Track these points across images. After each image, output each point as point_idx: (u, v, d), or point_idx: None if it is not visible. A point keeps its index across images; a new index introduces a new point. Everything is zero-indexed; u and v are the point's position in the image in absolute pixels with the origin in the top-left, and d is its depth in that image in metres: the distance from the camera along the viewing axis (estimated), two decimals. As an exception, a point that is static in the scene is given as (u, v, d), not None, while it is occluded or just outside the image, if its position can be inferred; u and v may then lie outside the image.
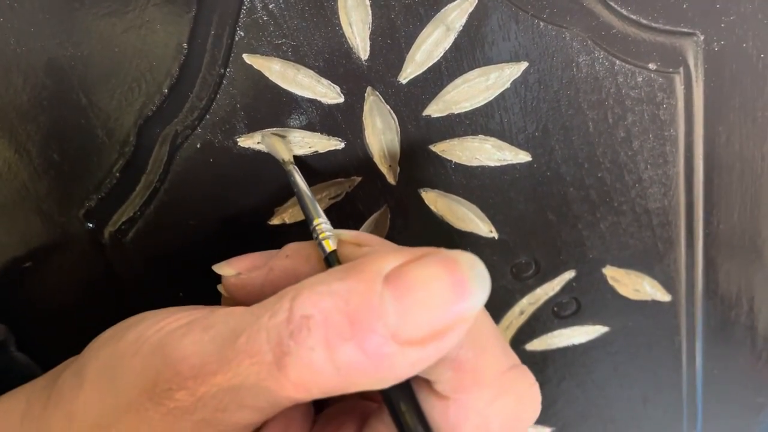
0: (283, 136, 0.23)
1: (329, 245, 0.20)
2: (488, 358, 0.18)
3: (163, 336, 0.18)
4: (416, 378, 0.18)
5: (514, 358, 0.19)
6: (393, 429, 0.18)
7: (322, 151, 0.24)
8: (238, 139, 0.23)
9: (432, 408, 0.18)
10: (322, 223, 0.21)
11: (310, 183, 0.24)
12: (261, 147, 0.23)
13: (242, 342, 0.16)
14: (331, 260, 0.20)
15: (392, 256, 0.17)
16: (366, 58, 0.22)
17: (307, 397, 0.16)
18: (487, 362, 0.18)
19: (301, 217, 0.25)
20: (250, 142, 0.23)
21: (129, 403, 0.17)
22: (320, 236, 0.20)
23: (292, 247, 0.21)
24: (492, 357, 0.18)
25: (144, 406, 0.17)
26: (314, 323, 0.16)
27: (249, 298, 0.21)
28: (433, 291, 0.16)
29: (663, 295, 0.30)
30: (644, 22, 0.23)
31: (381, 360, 0.16)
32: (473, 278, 0.16)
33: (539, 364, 0.32)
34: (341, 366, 0.16)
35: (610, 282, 0.29)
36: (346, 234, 0.20)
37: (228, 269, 0.22)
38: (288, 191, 0.24)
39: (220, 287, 0.22)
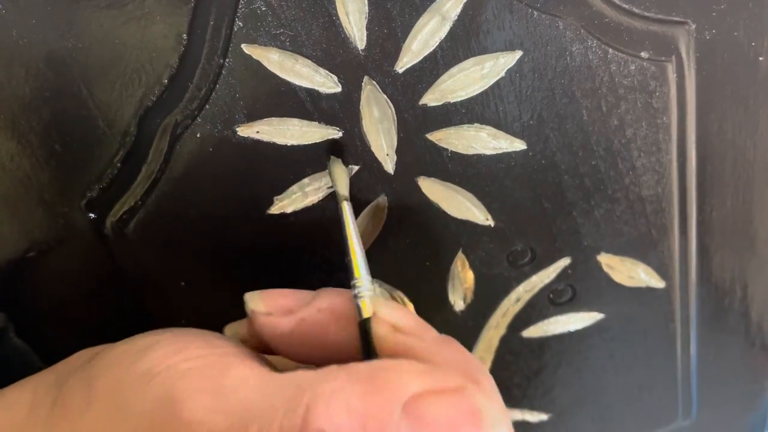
0: (347, 167, 0.23)
1: (365, 309, 0.20)
2: None
3: (173, 383, 0.18)
4: None
5: None
6: None
7: (319, 140, 0.24)
8: (237, 129, 0.23)
9: None
10: (364, 282, 0.21)
11: (309, 172, 0.25)
12: (260, 136, 0.23)
13: (254, 430, 0.17)
14: (365, 328, 0.20)
15: (419, 379, 0.17)
16: (363, 47, 0.22)
17: None
18: None
19: (299, 206, 0.25)
20: (249, 131, 0.23)
21: None
22: (359, 298, 0.20)
23: (325, 300, 0.21)
24: None
25: None
26: None
27: (273, 338, 0.21)
28: None
29: (657, 282, 0.30)
30: (637, 11, 0.23)
31: None
32: (491, 430, 0.17)
33: (535, 351, 0.32)
34: None
35: (605, 269, 0.30)
36: (384, 311, 0.20)
37: (260, 305, 0.21)
38: (286, 180, 0.25)
39: (248, 317, 0.22)
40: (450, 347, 0.20)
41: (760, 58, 0.25)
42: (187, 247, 0.25)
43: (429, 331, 0.21)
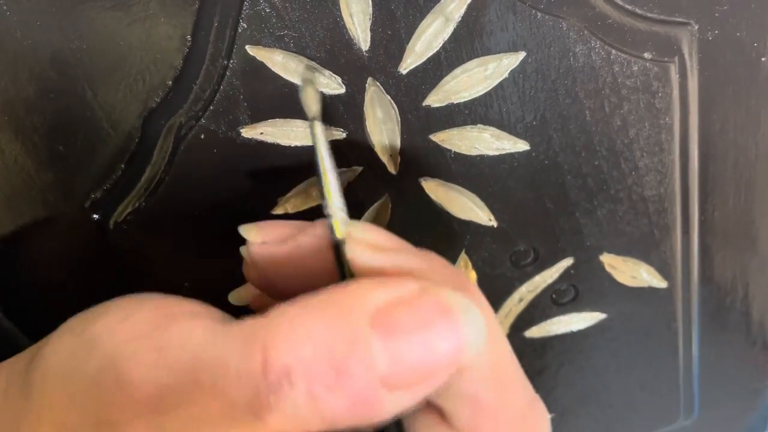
0: (318, 89, 0.22)
1: (338, 231, 0.19)
2: (509, 397, 0.18)
3: (115, 348, 0.17)
4: (428, 406, 0.18)
5: (530, 389, 0.19)
6: None
7: (323, 142, 0.24)
8: (241, 130, 0.23)
9: None
10: (335, 206, 0.20)
11: (313, 173, 0.24)
12: (265, 137, 0.23)
13: (206, 380, 0.15)
14: (337, 249, 0.19)
15: (380, 291, 0.16)
16: (367, 48, 0.22)
17: None
18: (508, 402, 0.18)
19: (303, 207, 0.25)
20: (253, 132, 0.23)
21: (86, 417, 0.16)
22: (332, 218, 0.19)
23: (322, 226, 0.20)
24: (512, 396, 0.18)
25: (101, 424, 0.16)
26: (296, 376, 0.15)
27: (269, 269, 0.20)
28: (425, 337, 0.15)
29: (659, 282, 0.30)
30: (639, 12, 0.23)
31: (368, 406, 0.15)
32: (467, 323, 0.16)
33: (538, 351, 0.32)
34: (327, 415, 0.15)
35: (608, 269, 0.30)
36: (360, 228, 0.19)
37: (255, 234, 0.20)
38: (290, 181, 0.25)
39: (242, 250, 0.21)
40: (431, 259, 0.19)
41: (763, 59, 0.25)
42: (191, 248, 0.25)
43: (407, 247, 0.19)
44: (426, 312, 0.16)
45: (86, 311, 0.19)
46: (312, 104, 0.21)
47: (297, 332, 0.15)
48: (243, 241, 0.25)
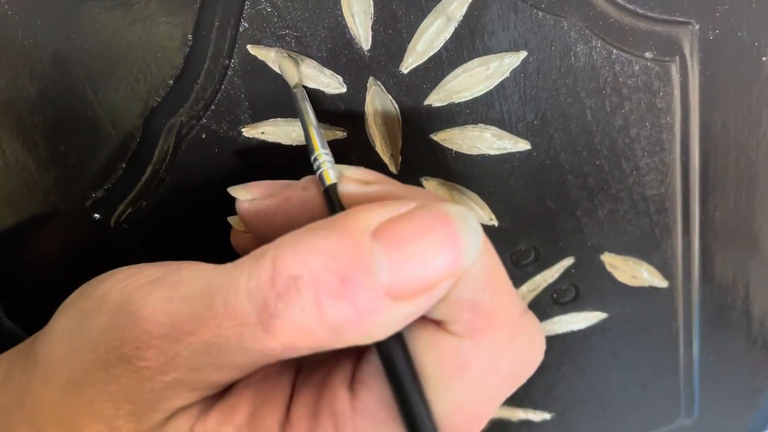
0: (297, 61, 0.22)
1: (329, 177, 0.19)
2: (504, 302, 0.18)
3: (129, 292, 0.17)
4: (425, 318, 0.18)
5: (523, 303, 0.19)
6: (384, 376, 0.18)
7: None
8: (242, 129, 0.23)
9: (442, 347, 0.18)
10: (323, 154, 0.20)
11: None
12: (265, 137, 0.23)
13: (219, 302, 0.16)
14: (331, 193, 0.19)
15: (380, 210, 0.16)
16: (368, 48, 0.22)
17: (294, 354, 0.16)
18: (503, 305, 0.18)
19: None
20: (254, 132, 0.23)
21: (97, 362, 0.17)
22: (321, 167, 0.20)
23: (310, 180, 0.20)
24: (507, 300, 0.18)
25: (112, 364, 0.17)
26: (303, 283, 0.15)
27: (260, 226, 0.21)
28: (425, 245, 0.16)
29: (660, 281, 0.30)
30: (641, 11, 0.23)
31: (373, 315, 0.15)
32: (465, 230, 0.16)
33: (539, 351, 0.32)
34: (332, 324, 0.15)
35: (609, 269, 0.30)
36: (350, 170, 0.20)
37: (243, 193, 0.21)
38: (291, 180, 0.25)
39: (231, 219, 0.22)
40: (421, 190, 0.20)
41: (764, 58, 0.25)
42: (191, 247, 0.25)
43: (396, 182, 0.20)
44: (426, 222, 0.16)
45: (84, 285, 0.20)
46: (292, 73, 0.22)
47: (303, 245, 0.16)
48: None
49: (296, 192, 0.20)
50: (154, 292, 0.17)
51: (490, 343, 0.18)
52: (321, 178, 0.20)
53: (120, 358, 0.17)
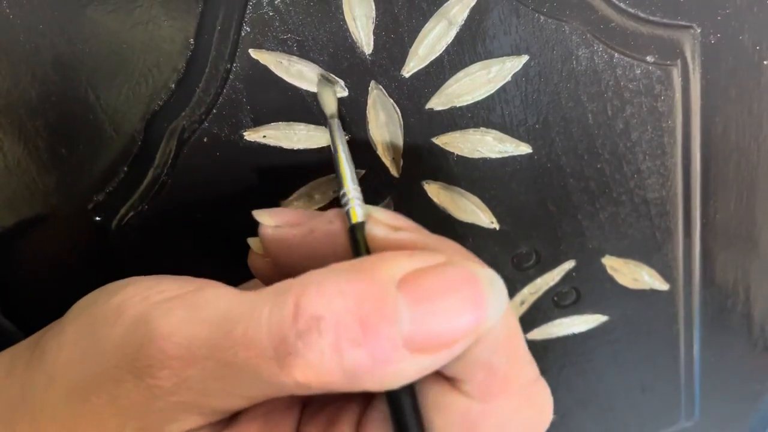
0: (335, 89, 0.22)
1: (355, 216, 0.19)
2: (519, 367, 0.18)
3: (148, 307, 0.17)
4: (438, 374, 0.18)
5: (537, 370, 0.19)
6: (389, 426, 0.18)
7: (326, 144, 0.24)
8: (244, 133, 0.23)
9: (453, 406, 0.18)
10: (352, 190, 0.20)
11: (316, 176, 0.25)
12: (267, 141, 0.23)
13: (239, 332, 0.16)
14: (357, 233, 0.19)
15: (408, 260, 0.16)
16: (370, 52, 0.22)
17: (306, 392, 0.16)
18: (518, 371, 0.18)
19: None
20: (256, 135, 0.23)
21: (108, 373, 0.17)
22: (349, 204, 0.20)
23: (336, 214, 0.20)
24: (522, 366, 0.18)
25: (123, 378, 0.17)
26: (325, 325, 0.15)
27: (281, 253, 0.21)
28: (450, 302, 0.16)
29: (661, 284, 0.31)
30: (642, 15, 0.23)
31: (390, 365, 0.15)
32: (491, 292, 0.16)
33: (540, 353, 0.32)
34: (348, 369, 0.15)
35: (609, 271, 0.30)
36: (379, 212, 0.20)
37: (268, 219, 0.21)
38: (292, 184, 0.25)
39: (250, 241, 0.22)
40: (448, 241, 0.20)
41: (765, 62, 0.25)
42: (194, 251, 0.25)
43: (424, 230, 0.20)
44: (452, 279, 0.16)
45: (98, 290, 0.20)
46: (330, 103, 0.22)
47: (329, 287, 0.16)
48: (245, 245, 0.25)
49: (322, 224, 0.20)
50: (173, 312, 0.17)
51: (501, 408, 0.18)
52: (348, 215, 0.19)
53: (132, 374, 0.17)
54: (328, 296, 0.16)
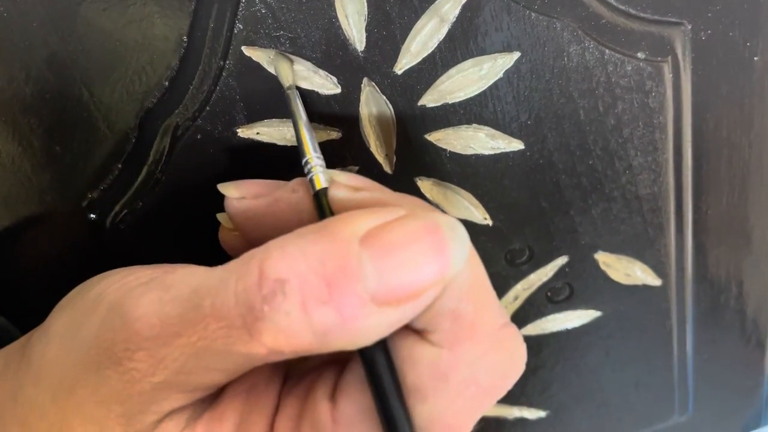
0: (291, 61, 0.22)
1: (319, 182, 0.19)
2: (486, 313, 0.18)
3: (122, 294, 0.18)
4: (406, 328, 0.18)
5: (506, 316, 0.19)
6: (366, 382, 0.18)
7: (319, 141, 0.24)
8: (237, 130, 0.23)
9: (422, 357, 0.18)
10: (315, 158, 0.20)
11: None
12: (261, 137, 0.24)
13: (207, 305, 0.16)
14: (320, 198, 0.19)
15: (369, 216, 0.16)
16: (362, 49, 0.23)
17: (279, 358, 0.16)
18: (485, 317, 0.18)
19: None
20: (249, 132, 0.23)
21: (89, 362, 0.17)
22: (312, 171, 0.20)
23: (299, 182, 0.20)
24: (489, 312, 0.18)
25: (102, 365, 0.17)
26: (290, 287, 0.15)
27: (248, 225, 0.21)
28: (413, 253, 0.16)
29: (654, 280, 0.31)
30: (633, 12, 0.24)
31: (359, 321, 0.15)
32: (453, 239, 0.16)
33: (533, 349, 0.32)
34: (318, 329, 0.15)
35: (602, 267, 0.30)
36: (341, 175, 0.20)
37: (233, 190, 0.21)
38: (286, 180, 0.25)
39: (219, 216, 0.22)
40: (410, 197, 0.20)
41: (755, 58, 0.25)
42: (188, 248, 0.25)
43: (386, 189, 0.20)
44: (414, 230, 0.16)
45: (79, 286, 0.20)
46: (287, 74, 0.22)
47: (291, 249, 0.16)
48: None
49: (286, 193, 0.20)
50: (145, 294, 0.17)
51: (469, 354, 0.18)
52: (311, 182, 0.20)
53: (110, 359, 0.17)
54: (290, 258, 0.16)
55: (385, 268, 0.16)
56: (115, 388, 0.17)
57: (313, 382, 0.19)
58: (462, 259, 0.17)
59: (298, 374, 0.20)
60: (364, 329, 0.16)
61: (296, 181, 0.21)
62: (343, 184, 0.20)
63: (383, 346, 0.18)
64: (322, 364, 0.20)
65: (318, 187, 0.19)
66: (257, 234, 0.21)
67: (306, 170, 0.20)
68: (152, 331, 0.16)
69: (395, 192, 0.20)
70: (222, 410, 0.18)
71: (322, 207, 0.19)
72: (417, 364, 0.18)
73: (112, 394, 0.17)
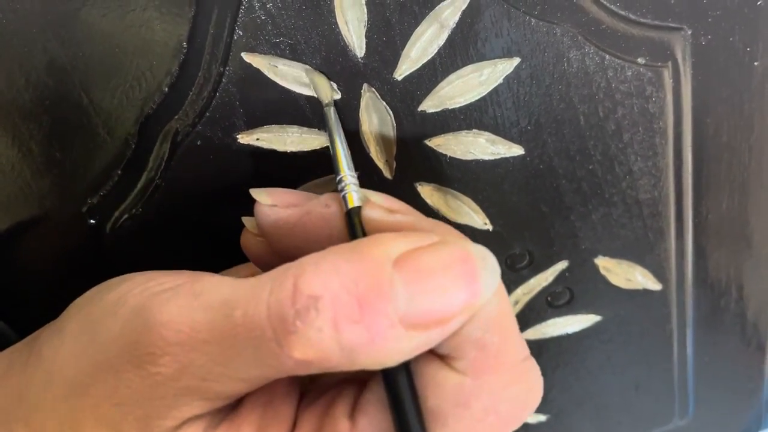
0: (327, 77, 0.22)
1: (352, 200, 0.20)
2: (510, 345, 0.19)
3: (147, 298, 0.18)
4: (430, 352, 0.18)
5: (527, 349, 0.20)
6: (386, 403, 0.18)
7: (319, 147, 0.24)
8: (237, 136, 0.23)
9: (445, 382, 0.18)
10: (349, 176, 0.20)
11: (309, 179, 0.25)
12: (261, 144, 0.24)
13: (239, 315, 0.16)
14: (353, 217, 0.19)
15: (402, 240, 0.17)
16: (362, 55, 0.23)
17: (304, 372, 0.16)
18: (509, 349, 0.19)
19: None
20: (249, 138, 0.23)
21: (108, 363, 0.17)
22: (346, 189, 0.20)
23: (332, 197, 0.21)
24: (513, 344, 0.19)
25: (124, 368, 0.17)
26: (323, 304, 0.16)
27: (275, 233, 0.21)
28: (444, 279, 0.16)
29: (654, 284, 0.31)
30: (633, 17, 0.24)
31: (387, 342, 0.16)
32: (484, 269, 0.17)
33: (534, 353, 0.31)
34: (346, 346, 0.16)
35: (602, 272, 0.30)
36: (375, 195, 0.20)
37: (266, 197, 0.21)
38: (286, 187, 0.25)
39: (245, 219, 0.22)
40: (442, 224, 0.20)
41: (755, 63, 0.25)
42: (188, 253, 0.25)
43: (419, 213, 0.20)
44: (446, 257, 0.17)
45: (96, 287, 0.20)
46: (325, 91, 0.22)
47: (326, 267, 0.16)
48: (239, 248, 0.25)
49: (318, 207, 0.20)
50: (173, 300, 0.17)
51: (492, 384, 0.18)
52: (345, 200, 0.20)
53: (132, 363, 0.17)
54: (325, 276, 0.16)
55: (416, 292, 0.16)
56: (136, 391, 0.17)
57: (332, 399, 0.20)
58: (491, 290, 0.17)
59: (316, 391, 0.21)
60: (390, 350, 0.16)
61: (329, 196, 0.21)
62: (378, 205, 0.20)
63: (407, 367, 0.18)
64: (341, 381, 0.21)
65: (351, 205, 0.20)
66: (283, 243, 0.21)
67: (339, 187, 0.20)
68: (179, 336, 0.16)
69: (428, 218, 0.20)
70: (239, 422, 0.19)
71: (354, 226, 0.19)
72: (439, 388, 0.18)
73: (132, 397, 0.17)
